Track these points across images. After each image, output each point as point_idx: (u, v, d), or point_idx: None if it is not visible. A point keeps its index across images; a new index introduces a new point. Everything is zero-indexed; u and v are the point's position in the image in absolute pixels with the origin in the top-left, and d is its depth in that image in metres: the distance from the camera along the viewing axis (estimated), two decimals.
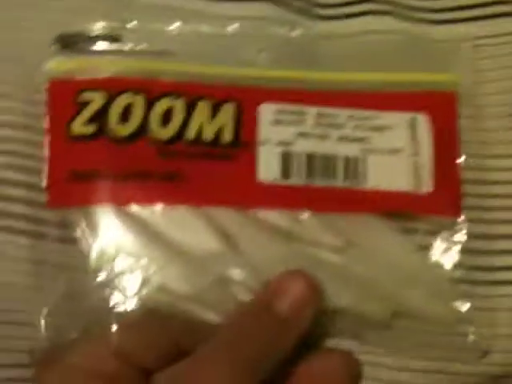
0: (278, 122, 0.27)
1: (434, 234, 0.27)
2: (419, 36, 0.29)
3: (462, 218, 0.27)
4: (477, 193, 0.27)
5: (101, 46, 0.27)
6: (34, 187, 0.26)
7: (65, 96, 0.26)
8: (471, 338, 0.26)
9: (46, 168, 0.26)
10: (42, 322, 0.25)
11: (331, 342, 0.26)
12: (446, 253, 0.27)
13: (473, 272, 0.26)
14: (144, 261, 0.24)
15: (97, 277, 0.25)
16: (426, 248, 0.27)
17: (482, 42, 0.29)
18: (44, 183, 0.26)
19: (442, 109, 0.28)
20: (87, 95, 0.26)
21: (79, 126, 0.26)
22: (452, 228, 0.27)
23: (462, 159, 0.27)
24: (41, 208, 0.26)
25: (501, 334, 0.26)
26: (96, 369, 0.23)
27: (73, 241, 0.26)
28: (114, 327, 0.24)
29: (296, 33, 0.29)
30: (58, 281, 0.26)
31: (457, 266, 0.26)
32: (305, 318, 0.23)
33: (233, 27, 0.28)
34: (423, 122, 0.28)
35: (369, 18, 0.29)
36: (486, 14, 0.30)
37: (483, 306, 0.26)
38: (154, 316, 0.24)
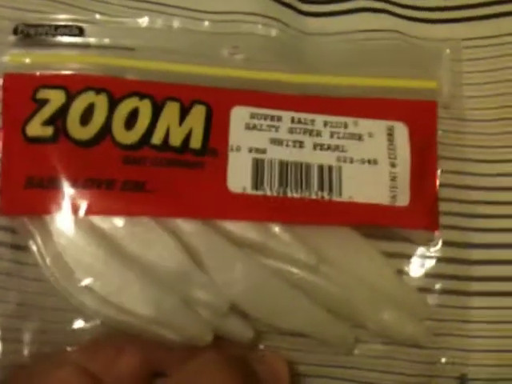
0: (250, 127, 0.26)
1: (409, 250, 0.26)
2: (406, 38, 0.28)
3: (438, 234, 0.26)
4: (454, 211, 0.26)
5: (62, 38, 0.25)
6: None
7: (21, 92, 0.25)
8: (444, 362, 0.25)
9: None
10: None
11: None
12: (420, 272, 0.26)
13: (445, 295, 0.26)
14: (103, 278, 0.23)
15: (52, 291, 0.23)
16: (401, 265, 0.26)
17: (468, 43, 0.28)
18: None
19: (421, 118, 0.27)
20: (45, 92, 0.24)
21: (36, 127, 0.24)
22: (427, 244, 0.26)
23: (439, 172, 0.26)
24: None
25: (475, 358, 0.25)
26: None
27: (25, 248, 0.24)
28: (71, 347, 0.22)
29: (274, 31, 0.27)
30: (9, 291, 0.24)
31: (430, 288, 0.26)
32: None
33: (206, 23, 0.27)
34: (402, 131, 0.27)
35: (356, 16, 0.28)
36: (474, 16, 0.29)
37: (456, 331, 0.25)
38: (116, 334, 0.23)
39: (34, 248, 0.23)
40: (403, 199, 0.26)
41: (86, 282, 0.23)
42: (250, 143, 0.25)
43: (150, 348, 0.23)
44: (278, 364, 0.24)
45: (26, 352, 0.24)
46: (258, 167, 0.25)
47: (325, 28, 0.28)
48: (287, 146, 0.26)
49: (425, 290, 0.26)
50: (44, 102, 0.24)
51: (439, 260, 0.26)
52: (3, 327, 0.24)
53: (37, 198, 0.23)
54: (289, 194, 0.25)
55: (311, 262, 0.24)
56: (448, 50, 0.28)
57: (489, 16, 0.28)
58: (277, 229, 0.25)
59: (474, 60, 0.28)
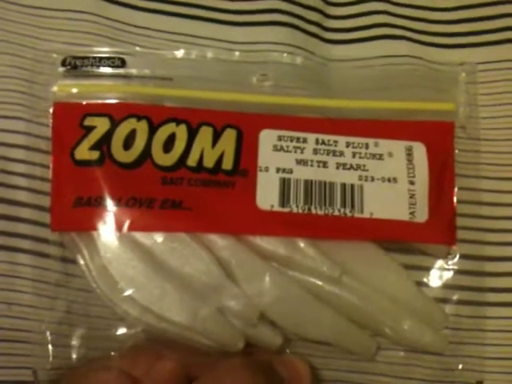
0: (278, 149, 0.28)
1: (428, 263, 0.28)
2: (424, 62, 0.29)
3: (455, 248, 0.27)
4: (471, 226, 0.28)
5: (106, 70, 0.28)
6: (40, 208, 0.27)
7: (69, 120, 0.27)
8: (461, 368, 0.26)
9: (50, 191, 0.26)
10: (46, 339, 0.26)
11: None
12: (438, 283, 0.27)
13: (462, 306, 0.27)
14: (144, 289, 0.25)
15: (97, 301, 0.25)
16: (420, 277, 0.27)
17: (482, 67, 0.29)
18: (49, 205, 0.26)
19: (439, 139, 0.28)
20: (92, 120, 0.27)
21: (84, 151, 0.26)
22: (445, 258, 0.27)
23: (456, 190, 0.28)
24: (45, 228, 0.27)
25: (491, 365, 0.27)
26: None
27: (73, 261, 0.26)
28: (115, 353, 0.24)
29: (300, 59, 0.29)
30: (58, 300, 0.26)
31: (448, 298, 0.27)
32: None
33: (237, 53, 0.29)
34: (420, 151, 0.28)
35: (376, 43, 0.30)
36: (487, 41, 0.30)
37: (472, 339, 0.27)
38: (155, 340, 0.25)
39: (82, 261, 0.26)
40: (422, 215, 0.27)
41: (129, 292, 0.25)
42: (278, 164, 0.27)
43: (187, 354, 0.25)
44: (299, 366, 0.25)
45: (74, 356, 0.26)
46: (284, 186, 0.27)
47: (347, 54, 0.30)
48: (312, 166, 0.27)
49: (443, 300, 0.27)
50: (91, 129, 0.27)
51: (456, 272, 0.27)
52: (53, 333, 0.26)
53: (84, 215, 0.26)
54: (313, 211, 0.27)
55: (334, 274, 0.26)
56: (464, 74, 0.29)
57: (501, 41, 0.30)
58: (302, 244, 0.26)
59: (488, 83, 0.29)
